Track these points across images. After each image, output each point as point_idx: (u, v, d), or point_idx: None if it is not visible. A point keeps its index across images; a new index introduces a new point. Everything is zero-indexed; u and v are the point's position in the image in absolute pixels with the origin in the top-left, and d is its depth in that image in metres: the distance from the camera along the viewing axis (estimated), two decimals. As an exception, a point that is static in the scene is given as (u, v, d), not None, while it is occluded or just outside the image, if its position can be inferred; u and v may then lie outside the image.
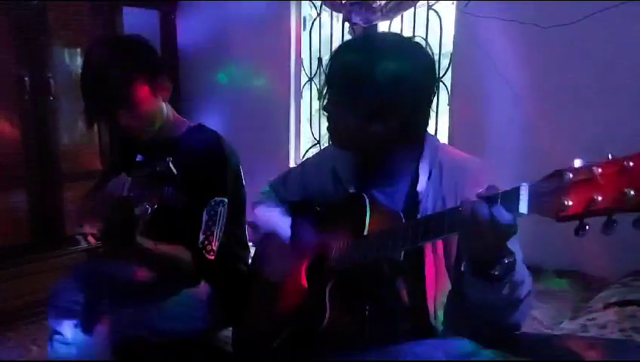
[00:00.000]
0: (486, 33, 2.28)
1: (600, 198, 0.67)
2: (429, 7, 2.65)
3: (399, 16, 2.65)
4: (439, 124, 2.68)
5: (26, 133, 2.65)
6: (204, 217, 1.40)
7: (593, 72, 2.11)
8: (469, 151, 1.17)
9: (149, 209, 1.13)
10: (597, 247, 1.85)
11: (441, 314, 1.09)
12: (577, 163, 0.71)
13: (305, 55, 3.13)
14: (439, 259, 1.08)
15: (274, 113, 3.19)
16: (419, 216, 1.07)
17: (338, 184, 1.25)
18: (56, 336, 1.41)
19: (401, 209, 1.10)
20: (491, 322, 0.98)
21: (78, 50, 2.79)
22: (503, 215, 0.80)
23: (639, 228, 0.65)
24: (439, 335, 1.09)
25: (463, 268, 0.94)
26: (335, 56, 1.11)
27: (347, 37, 2.78)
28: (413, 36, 2.56)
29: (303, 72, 3.15)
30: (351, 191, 1.20)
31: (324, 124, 1.18)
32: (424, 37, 2.66)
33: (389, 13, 2.57)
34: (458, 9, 2.43)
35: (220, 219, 1.42)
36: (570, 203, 0.69)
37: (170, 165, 1.13)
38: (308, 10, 3.11)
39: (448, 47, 2.57)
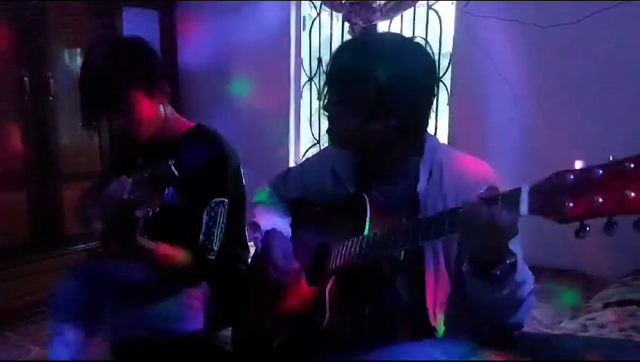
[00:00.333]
0: (486, 33, 2.28)
1: (601, 200, 0.67)
2: (429, 7, 2.65)
3: (399, 16, 2.65)
4: (439, 124, 2.68)
5: (26, 133, 2.65)
6: (205, 218, 1.40)
7: (593, 72, 2.11)
8: (469, 151, 1.17)
9: (151, 211, 1.13)
10: (596, 247, 1.85)
11: (441, 314, 1.09)
12: (578, 164, 0.71)
13: (305, 55, 3.13)
14: (439, 259, 1.08)
15: (274, 113, 3.19)
16: (419, 216, 1.07)
17: (338, 184, 1.25)
18: (56, 336, 1.41)
19: (402, 209, 1.10)
20: (492, 322, 0.98)
21: (78, 50, 2.79)
22: (503, 217, 0.80)
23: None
24: (439, 335, 1.10)
25: (463, 268, 0.94)
26: (336, 55, 1.12)
27: (347, 37, 2.78)
28: (414, 36, 2.56)
29: (302, 71, 3.15)
30: (351, 191, 1.20)
31: (324, 124, 1.18)
32: (424, 37, 2.66)
33: (388, 13, 2.57)
34: (458, 9, 2.43)
35: (220, 220, 1.41)
36: (571, 204, 0.69)
37: (172, 167, 1.13)
38: (308, 10, 3.11)
39: (448, 46, 2.57)
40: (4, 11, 2.50)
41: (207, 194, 1.41)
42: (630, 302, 1.57)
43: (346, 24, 2.73)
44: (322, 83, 1.21)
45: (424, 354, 1.01)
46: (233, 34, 3.25)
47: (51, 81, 2.67)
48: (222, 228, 1.42)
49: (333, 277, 1.10)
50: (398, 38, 1.20)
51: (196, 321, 1.50)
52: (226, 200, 1.43)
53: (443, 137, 2.56)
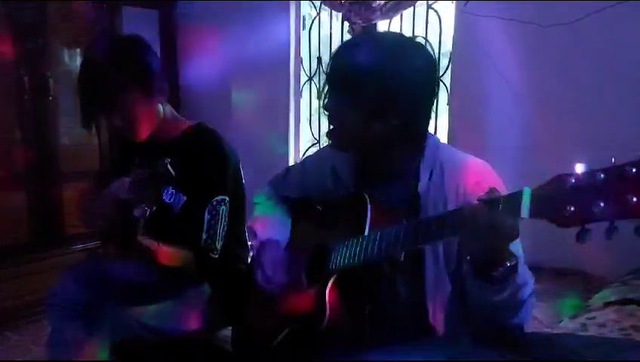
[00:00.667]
0: (486, 32, 2.28)
1: (602, 204, 0.67)
2: (429, 7, 2.64)
3: (398, 16, 2.65)
4: (439, 124, 2.68)
5: (26, 132, 2.65)
6: (207, 217, 1.40)
7: (593, 71, 2.11)
8: (469, 151, 1.16)
9: (148, 211, 1.13)
10: (596, 246, 1.85)
11: (441, 314, 1.08)
12: (579, 168, 0.70)
13: (304, 54, 3.12)
14: (439, 260, 1.08)
15: (274, 113, 3.19)
16: (420, 216, 1.07)
17: (339, 183, 1.24)
18: (56, 336, 1.41)
19: (402, 209, 1.10)
20: (492, 323, 0.98)
21: (78, 50, 2.79)
22: (504, 219, 0.80)
23: None
24: (439, 335, 1.09)
25: (464, 270, 0.94)
26: (336, 55, 1.11)
27: (347, 36, 2.78)
28: (414, 36, 2.56)
29: (302, 71, 3.14)
30: (351, 190, 1.20)
31: (324, 123, 1.18)
32: (424, 36, 2.66)
33: (388, 13, 2.57)
34: (458, 8, 2.43)
35: (222, 218, 1.42)
36: (572, 208, 0.69)
37: (168, 166, 1.13)
38: (307, 10, 3.11)
39: (448, 46, 2.57)
40: (4, 11, 2.49)
41: (208, 193, 1.41)
42: (630, 302, 1.57)
43: (346, 23, 2.73)
44: (322, 82, 1.21)
45: (424, 354, 1.01)
46: (233, 34, 3.25)
47: (51, 81, 2.67)
48: (224, 227, 1.42)
49: (333, 277, 1.10)
50: (399, 37, 1.19)
51: (196, 321, 1.50)
52: (227, 199, 1.43)
53: (443, 137, 2.55)
